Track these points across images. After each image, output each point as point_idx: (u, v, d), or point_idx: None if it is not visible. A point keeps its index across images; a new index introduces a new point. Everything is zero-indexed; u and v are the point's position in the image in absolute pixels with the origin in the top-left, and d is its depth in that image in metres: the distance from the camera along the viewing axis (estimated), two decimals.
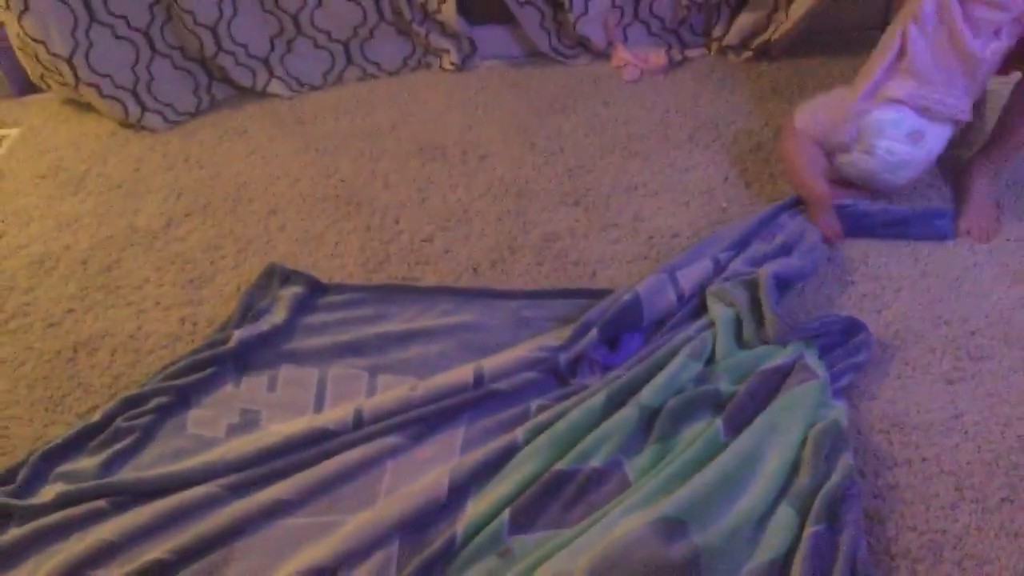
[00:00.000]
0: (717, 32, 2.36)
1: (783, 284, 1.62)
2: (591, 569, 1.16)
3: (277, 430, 1.44)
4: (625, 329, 1.56)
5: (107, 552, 1.28)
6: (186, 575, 1.25)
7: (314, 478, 1.35)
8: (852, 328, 1.53)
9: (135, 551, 1.28)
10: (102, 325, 1.71)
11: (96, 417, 1.47)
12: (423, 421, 1.43)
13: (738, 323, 1.54)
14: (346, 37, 2.39)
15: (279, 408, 1.50)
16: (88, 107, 2.30)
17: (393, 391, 1.48)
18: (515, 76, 2.37)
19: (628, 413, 1.38)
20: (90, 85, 2.20)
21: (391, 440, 1.40)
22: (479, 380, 1.48)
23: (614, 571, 1.16)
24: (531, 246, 1.82)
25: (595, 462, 1.33)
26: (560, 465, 1.33)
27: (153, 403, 1.49)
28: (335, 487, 1.35)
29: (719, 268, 1.66)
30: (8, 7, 2.08)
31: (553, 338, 1.56)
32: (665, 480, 1.28)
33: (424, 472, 1.36)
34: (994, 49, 1.67)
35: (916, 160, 1.76)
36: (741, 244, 1.72)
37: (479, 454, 1.36)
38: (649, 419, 1.39)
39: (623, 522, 1.23)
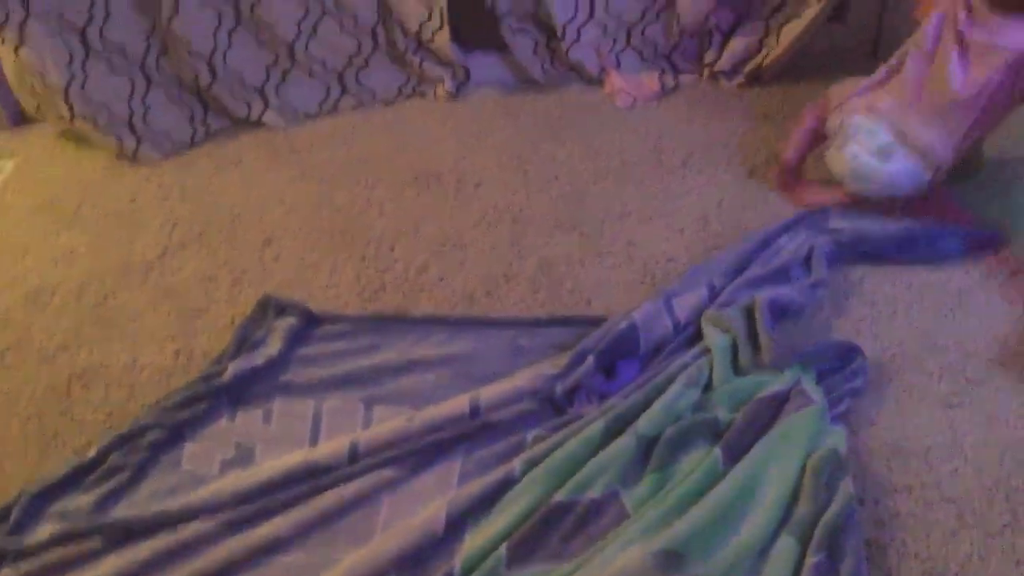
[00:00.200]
0: (709, 58, 2.38)
1: (779, 311, 1.61)
2: None
3: (272, 465, 1.42)
4: (621, 357, 1.56)
5: None
6: None
7: (310, 514, 1.34)
8: (848, 353, 1.53)
9: None
10: (96, 359, 1.70)
11: (90, 454, 1.46)
12: (419, 453, 1.42)
13: (734, 349, 1.54)
14: (341, 67, 2.40)
15: (274, 442, 1.49)
16: (83, 139, 2.30)
17: (389, 423, 1.47)
18: (509, 103, 2.38)
19: (626, 442, 1.38)
20: (85, 118, 2.20)
21: (387, 473, 1.39)
22: (475, 411, 1.47)
23: None
24: (526, 274, 1.82)
25: (593, 493, 1.32)
26: (558, 497, 1.32)
27: (147, 438, 1.47)
28: (331, 522, 1.34)
29: (714, 294, 1.66)
30: (4, 40, 2.09)
31: (549, 367, 1.56)
32: (664, 511, 1.27)
33: (421, 506, 1.35)
34: (973, 82, 1.66)
35: (877, 177, 1.77)
36: (737, 270, 1.72)
37: (476, 486, 1.35)
38: (647, 448, 1.38)
39: (622, 555, 1.22)
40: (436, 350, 1.62)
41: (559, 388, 1.50)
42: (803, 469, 1.33)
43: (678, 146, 2.15)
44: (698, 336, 1.59)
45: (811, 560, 1.20)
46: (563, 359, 1.56)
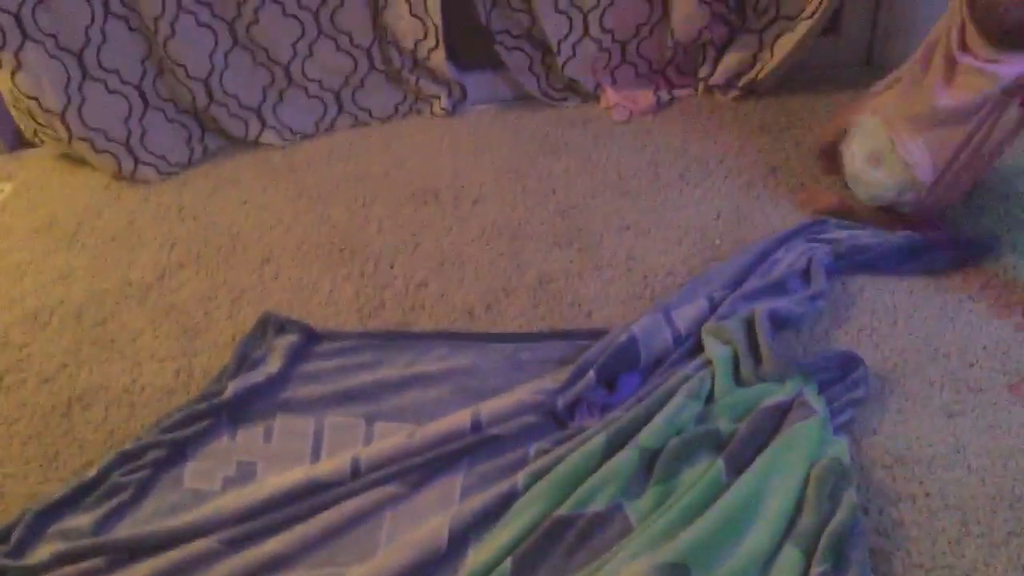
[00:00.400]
0: (704, 72, 2.39)
1: (779, 322, 1.62)
2: None
3: (274, 482, 1.42)
4: (622, 370, 1.55)
5: None
6: None
7: (312, 530, 1.33)
8: (850, 363, 1.53)
9: None
10: (96, 379, 1.70)
11: (91, 473, 1.45)
12: (421, 469, 1.42)
13: (735, 361, 1.53)
14: (337, 86, 2.41)
15: (275, 459, 1.48)
16: (81, 161, 2.31)
17: (390, 439, 1.47)
18: (505, 120, 2.39)
19: (628, 455, 1.37)
20: (83, 140, 2.21)
21: (389, 489, 1.39)
22: (477, 425, 1.47)
23: None
24: (525, 288, 1.82)
25: (596, 506, 1.32)
26: (561, 511, 1.31)
27: (148, 457, 1.47)
28: (334, 539, 1.33)
29: (714, 306, 1.66)
30: (0, 64, 2.10)
31: (550, 381, 1.56)
32: (668, 523, 1.27)
33: (423, 521, 1.34)
34: (955, 97, 1.63)
35: (866, 181, 1.77)
36: (736, 282, 1.72)
37: (479, 501, 1.34)
38: (649, 461, 1.38)
39: (627, 568, 1.21)
40: (437, 365, 1.62)
41: (560, 402, 1.50)
42: (806, 479, 1.33)
43: (675, 159, 2.16)
44: (698, 348, 1.59)
45: (816, 571, 1.20)
46: (564, 373, 1.56)
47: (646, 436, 1.40)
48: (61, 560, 1.32)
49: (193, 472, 1.47)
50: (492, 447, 1.45)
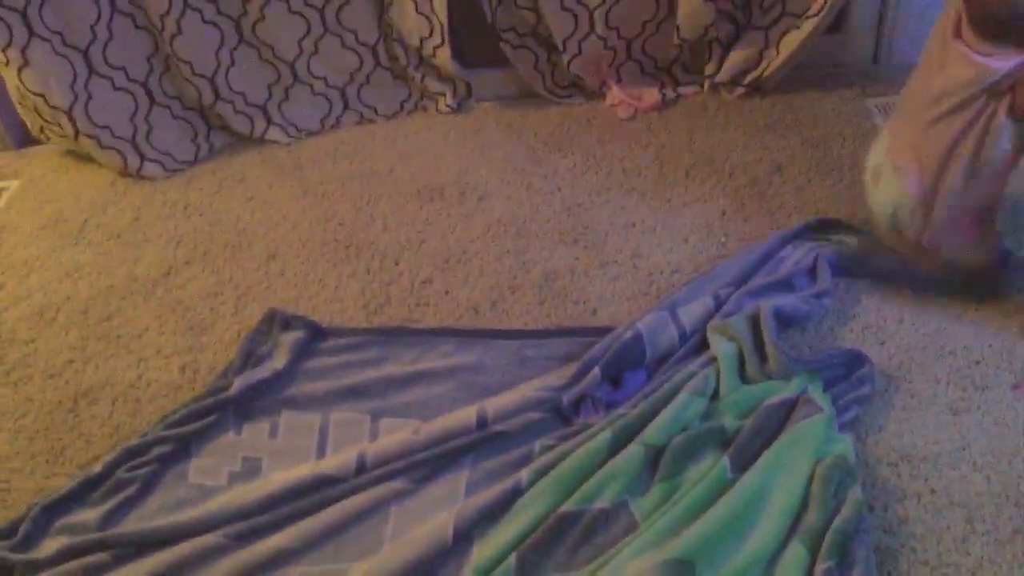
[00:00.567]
0: (710, 69, 2.38)
1: (784, 320, 1.61)
2: None
3: (279, 478, 1.42)
4: (628, 367, 1.56)
5: None
6: None
7: (318, 526, 1.34)
8: (855, 361, 1.53)
9: None
10: (103, 375, 1.70)
11: (97, 468, 1.46)
12: (426, 465, 1.42)
13: (741, 358, 1.53)
14: (343, 83, 2.41)
15: (281, 455, 1.49)
16: (87, 158, 2.32)
17: (396, 435, 1.47)
18: (511, 117, 2.39)
19: (633, 452, 1.37)
20: (89, 136, 2.22)
21: (394, 485, 1.39)
22: (482, 421, 1.47)
23: None
24: (531, 285, 1.82)
25: (601, 503, 1.32)
26: (566, 507, 1.31)
27: (154, 453, 1.48)
28: (339, 534, 1.34)
29: (719, 304, 1.66)
30: (7, 62, 2.11)
31: (555, 377, 1.56)
32: (673, 520, 1.27)
33: (429, 516, 1.35)
34: (944, 80, 1.49)
35: (872, 200, 1.67)
36: (741, 279, 1.72)
37: (484, 497, 1.35)
38: (654, 457, 1.38)
39: (632, 564, 1.21)
40: (442, 362, 1.62)
41: (566, 399, 1.50)
42: (812, 476, 1.33)
43: (680, 157, 2.16)
44: (704, 345, 1.59)
45: (821, 567, 1.20)
46: (569, 370, 1.56)
47: (651, 433, 1.40)
48: (67, 555, 1.33)
49: (198, 468, 1.48)
50: (497, 443, 1.45)
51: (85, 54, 2.15)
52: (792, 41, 2.25)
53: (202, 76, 2.27)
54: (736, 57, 2.33)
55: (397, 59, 2.39)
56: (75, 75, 2.15)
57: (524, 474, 1.37)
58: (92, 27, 2.14)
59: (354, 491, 1.38)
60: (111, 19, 2.16)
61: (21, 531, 1.37)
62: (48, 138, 2.35)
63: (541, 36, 2.37)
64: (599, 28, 2.34)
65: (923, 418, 1.46)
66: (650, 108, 2.35)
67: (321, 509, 1.36)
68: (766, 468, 1.33)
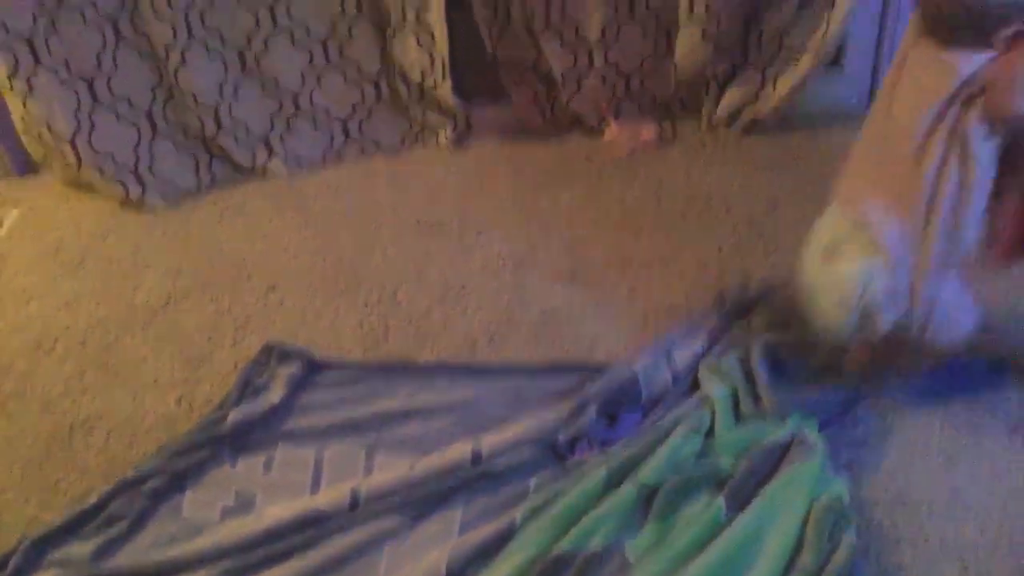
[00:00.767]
0: (707, 107, 2.41)
1: (776, 360, 1.61)
2: None
3: (273, 513, 1.42)
4: (623, 406, 1.56)
5: None
6: None
7: (311, 563, 1.33)
8: (850, 401, 1.53)
9: None
10: (99, 406, 1.70)
11: (91, 501, 1.46)
12: (421, 502, 1.42)
13: (735, 398, 1.54)
14: (345, 115, 2.43)
15: (275, 489, 1.48)
16: (89, 187, 2.33)
17: (390, 471, 1.47)
18: (510, 152, 2.41)
19: (627, 491, 1.37)
20: (92, 166, 2.23)
21: (388, 522, 1.39)
22: (477, 458, 1.47)
23: None
24: (528, 321, 1.83)
25: (594, 543, 1.32)
26: (559, 547, 1.31)
27: (148, 486, 1.47)
28: (332, 571, 1.33)
29: (713, 342, 1.66)
30: (12, 90, 2.12)
31: (551, 414, 1.56)
32: (667, 562, 1.27)
33: (422, 555, 1.34)
34: (902, 105, 1.33)
35: (821, 287, 1.49)
36: (737, 317, 1.73)
37: (477, 536, 1.34)
38: (648, 497, 1.38)
39: None
40: (438, 397, 1.63)
41: (561, 436, 1.51)
42: (806, 519, 1.33)
43: (678, 194, 2.17)
44: (698, 385, 1.59)
45: None
46: (564, 406, 1.56)
47: (645, 472, 1.40)
48: None
49: (192, 502, 1.47)
50: (492, 481, 1.45)
51: (90, 84, 2.17)
52: (789, 80, 2.27)
53: (205, 107, 2.29)
54: (733, 95, 2.35)
55: (399, 92, 2.41)
56: (79, 104, 2.17)
57: (518, 513, 1.37)
58: (98, 57, 2.16)
59: (348, 528, 1.38)
60: (116, 49, 2.18)
61: (13, 563, 1.36)
62: (50, 166, 2.36)
63: (541, 72, 2.40)
64: (598, 65, 2.37)
65: (917, 461, 1.46)
66: (648, 144, 2.37)
67: (314, 545, 1.36)
68: (761, 509, 1.33)
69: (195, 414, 1.66)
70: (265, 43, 2.27)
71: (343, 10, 2.27)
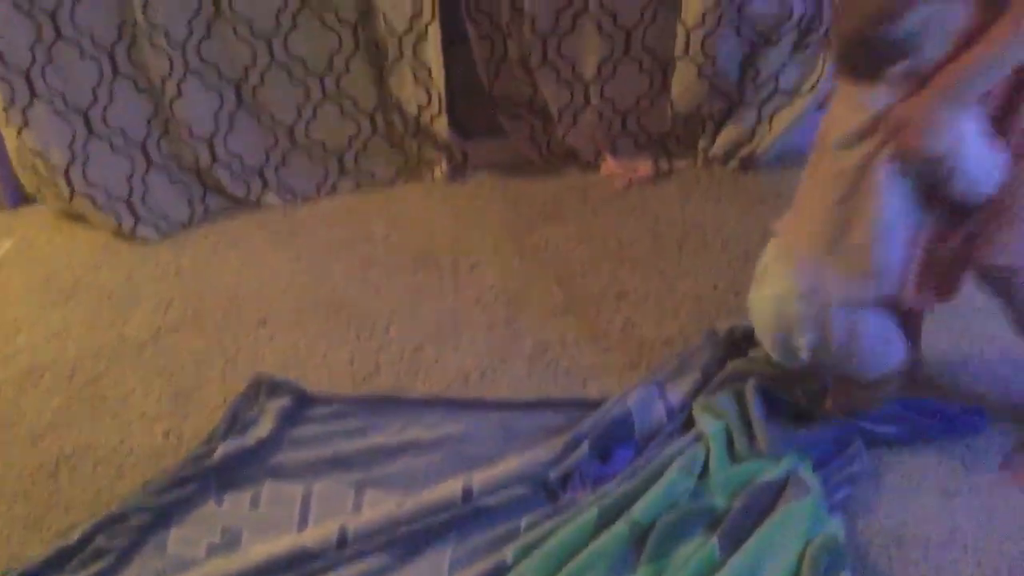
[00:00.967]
0: (703, 143, 2.41)
1: (771, 396, 1.60)
2: None
3: (259, 551, 1.40)
4: (616, 443, 1.54)
5: None
6: None
7: None
8: (845, 438, 1.51)
9: None
10: (86, 438, 1.68)
11: (75, 536, 1.43)
12: (410, 540, 1.40)
13: (729, 436, 1.52)
14: (340, 149, 2.44)
15: (261, 526, 1.46)
16: (82, 218, 2.32)
17: (379, 508, 1.45)
18: (505, 186, 2.41)
19: (620, 531, 1.35)
20: (85, 196, 2.22)
21: (376, 561, 1.37)
22: (467, 495, 1.45)
23: None
24: (522, 356, 1.81)
25: None
26: None
27: (133, 522, 1.45)
28: None
29: (708, 377, 1.65)
30: (8, 122, 2.13)
31: (543, 450, 1.54)
32: None
33: None
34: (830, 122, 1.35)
35: (752, 305, 1.50)
36: (730, 352, 1.71)
37: (467, 575, 1.32)
38: (641, 537, 1.36)
39: None
40: (428, 432, 1.61)
41: (553, 474, 1.49)
42: (801, 559, 1.31)
43: (674, 229, 2.17)
44: (692, 422, 1.58)
45: None
46: (557, 442, 1.55)
47: (639, 511, 1.38)
48: None
49: (177, 538, 1.45)
50: (482, 519, 1.43)
51: (85, 115, 2.18)
52: (785, 118, 2.28)
53: (200, 139, 2.29)
54: (729, 132, 2.36)
55: (394, 127, 2.42)
56: (74, 135, 2.17)
57: (509, 552, 1.35)
58: (94, 89, 2.16)
59: (335, 566, 1.36)
60: (113, 81, 2.19)
61: None
62: (44, 197, 2.36)
63: (537, 107, 2.41)
64: (594, 101, 2.38)
65: (914, 499, 1.44)
66: (644, 180, 2.37)
67: None
68: (756, 549, 1.31)
69: (183, 448, 1.64)
70: (262, 76, 2.28)
71: (340, 45, 2.28)
